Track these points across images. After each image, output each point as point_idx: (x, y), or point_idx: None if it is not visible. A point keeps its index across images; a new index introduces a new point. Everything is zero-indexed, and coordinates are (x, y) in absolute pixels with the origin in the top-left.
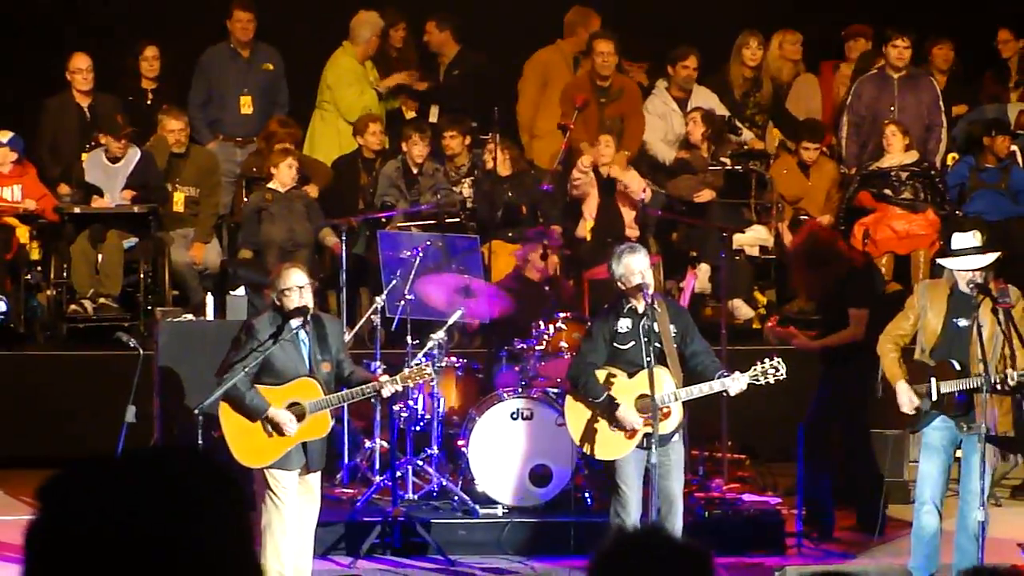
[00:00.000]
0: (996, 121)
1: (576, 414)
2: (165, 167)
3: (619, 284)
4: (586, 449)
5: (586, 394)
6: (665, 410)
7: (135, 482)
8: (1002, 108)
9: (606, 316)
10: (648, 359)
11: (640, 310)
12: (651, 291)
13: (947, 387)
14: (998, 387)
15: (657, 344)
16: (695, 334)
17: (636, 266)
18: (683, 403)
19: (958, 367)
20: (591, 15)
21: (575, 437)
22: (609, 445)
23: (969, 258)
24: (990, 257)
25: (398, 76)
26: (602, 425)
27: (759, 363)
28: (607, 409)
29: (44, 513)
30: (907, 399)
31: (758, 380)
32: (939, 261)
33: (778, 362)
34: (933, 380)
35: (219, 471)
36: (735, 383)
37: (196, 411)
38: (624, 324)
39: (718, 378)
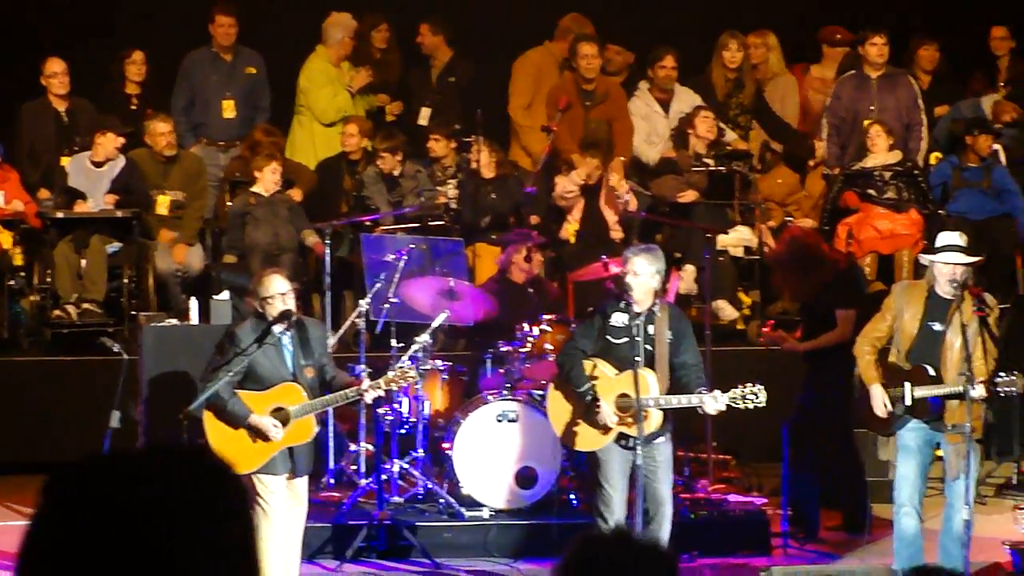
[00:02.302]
0: (978, 120)
1: (557, 402)
2: (153, 171)
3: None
4: (562, 437)
5: (570, 381)
6: (643, 413)
7: (144, 479)
8: (976, 103)
9: (604, 308)
10: (637, 359)
11: (638, 310)
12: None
13: (921, 392)
14: (971, 394)
15: (649, 347)
16: (689, 345)
17: (631, 267)
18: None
19: (932, 372)
20: (586, 23)
21: (554, 424)
22: (585, 437)
23: (954, 255)
24: (973, 258)
25: (362, 75)
26: (580, 416)
27: (741, 387)
28: (587, 401)
29: (47, 508)
30: (881, 403)
31: (736, 403)
32: (923, 257)
33: (760, 389)
34: (907, 385)
35: (224, 470)
36: (713, 402)
37: (181, 417)
38: (620, 319)
39: (698, 393)
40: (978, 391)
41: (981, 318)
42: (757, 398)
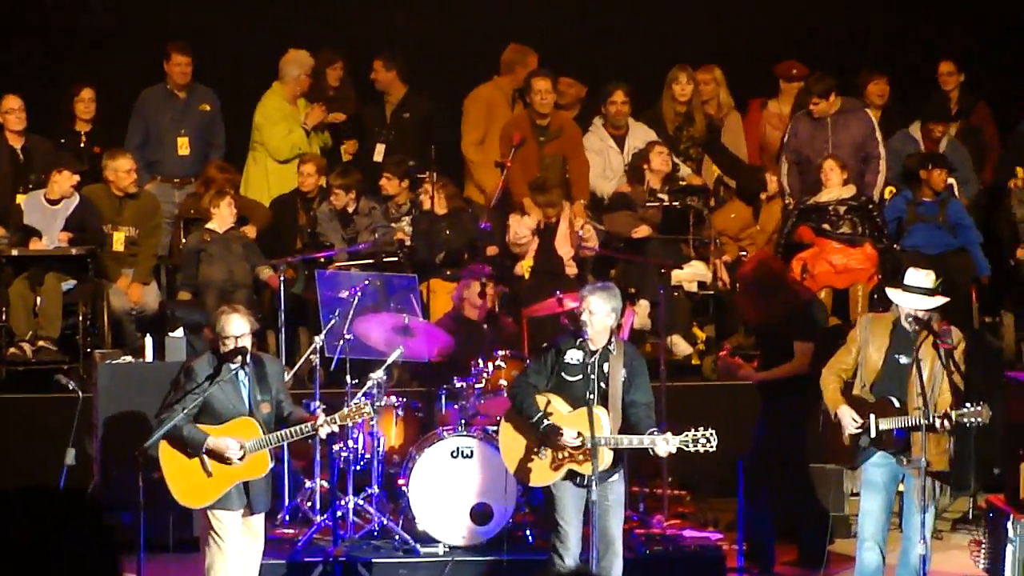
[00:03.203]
0: (932, 155)
1: (508, 436)
2: (109, 207)
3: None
4: (513, 471)
5: (522, 412)
6: (590, 451)
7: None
8: (905, 132)
9: (559, 344)
10: (590, 397)
11: (593, 348)
12: (607, 333)
13: (886, 424)
14: (936, 426)
15: (603, 384)
16: (641, 384)
17: (586, 305)
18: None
19: (897, 404)
20: (529, 53)
21: (505, 458)
22: (535, 472)
23: (918, 298)
24: (938, 301)
25: (317, 112)
26: (531, 451)
27: (693, 430)
28: (540, 430)
29: None
30: (850, 419)
31: (688, 447)
32: (888, 291)
33: (711, 434)
34: (872, 417)
35: (92, 512)
36: (664, 444)
37: (137, 454)
38: (575, 356)
39: (649, 434)
40: (944, 423)
41: (947, 351)
42: (708, 443)
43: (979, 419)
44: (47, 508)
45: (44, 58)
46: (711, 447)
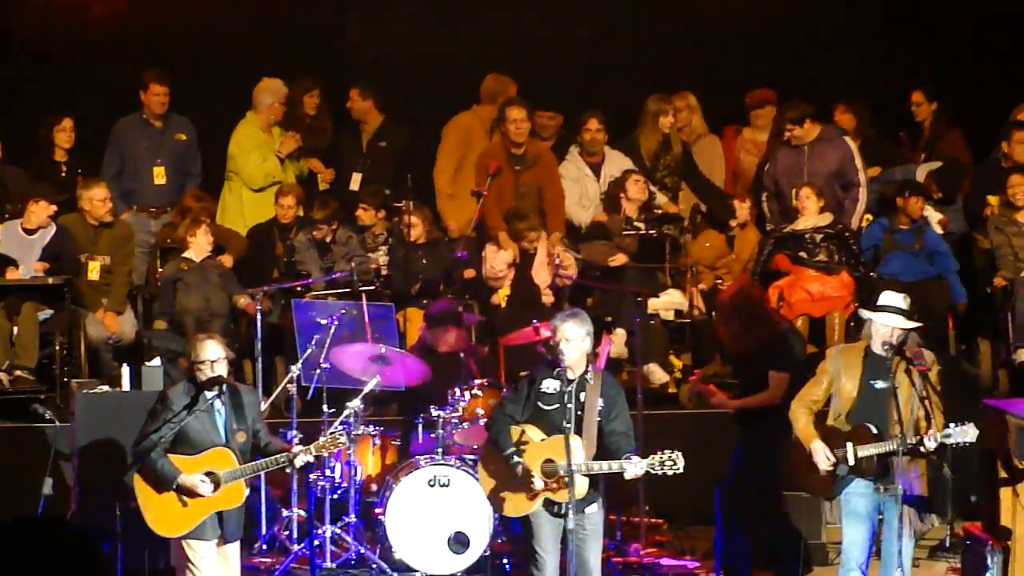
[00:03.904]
0: (908, 182)
1: (486, 466)
2: (84, 237)
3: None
4: (491, 502)
5: (496, 445)
6: (566, 480)
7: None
8: (911, 170)
9: (536, 374)
10: (567, 426)
11: (571, 376)
12: (582, 362)
13: (864, 451)
14: (918, 449)
15: (579, 413)
16: (620, 413)
17: (561, 333)
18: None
19: (875, 430)
20: (509, 83)
21: (483, 487)
22: (511, 503)
23: (894, 317)
24: (913, 324)
25: (290, 140)
26: (507, 481)
27: (660, 453)
28: (511, 465)
29: None
30: (823, 456)
31: (655, 469)
32: (863, 313)
33: (677, 455)
34: (849, 445)
35: (81, 541)
36: (632, 467)
37: (115, 484)
38: (551, 385)
39: (619, 459)
40: (929, 444)
41: (923, 373)
42: (675, 464)
43: (966, 438)
44: (35, 538)
45: (23, 87)
46: (678, 469)
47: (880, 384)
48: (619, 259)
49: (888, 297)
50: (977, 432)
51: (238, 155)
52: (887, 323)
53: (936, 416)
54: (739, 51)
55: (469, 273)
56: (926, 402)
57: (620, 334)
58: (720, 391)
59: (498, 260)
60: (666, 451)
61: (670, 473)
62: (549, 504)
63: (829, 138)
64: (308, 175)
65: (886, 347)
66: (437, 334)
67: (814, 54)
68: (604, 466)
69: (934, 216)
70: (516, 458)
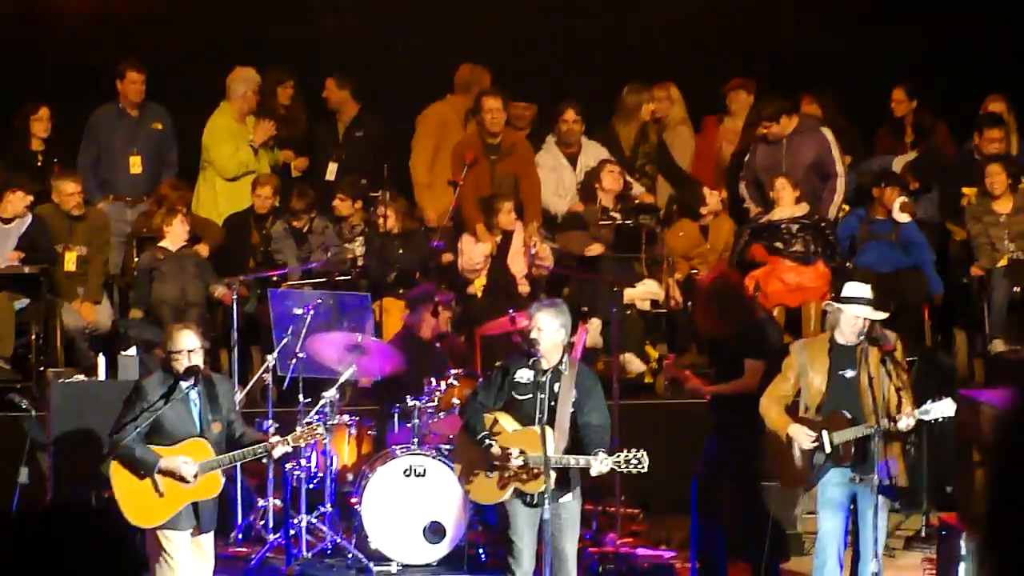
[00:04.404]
0: (885, 172)
1: (460, 453)
2: (60, 227)
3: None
4: (465, 488)
5: (468, 431)
6: (535, 471)
7: (23, 541)
8: (888, 160)
9: (510, 363)
10: (540, 416)
11: (545, 366)
12: (558, 351)
13: (840, 437)
14: (893, 431)
15: (552, 404)
16: (595, 406)
17: (535, 323)
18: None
19: (849, 416)
20: (483, 73)
21: (459, 474)
22: (483, 490)
23: (862, 307)
24: (881, 314)
25: (263, 128)
26: (480, 468)
27: (626, 451)
28: (484, 448)
29: None
30: (803, 435)
31: (620, 466)
32: (830, 304)
33: (643, 455)
34: (824, 432)
35: (109, 532)
36: (598, 464)
37: (91, 473)
38: (525, 375)
39: (587, 455)
40: (905, 422)
41: (888, 352)
42: (640, 464)
43: (945, 412)
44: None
45: None
46: (643, 468)
47: (849, 373)
48: (595, 249)
49: (854, 288)
50: (955, 405)
51: (211, 145)
52: (858, 314)
53: (906, 395)
54: (715, 41)
55: (447, 257)
56: (896, 382)
57: (596, 323)
58: (695, 377)
59: (476, 252)
60: (632, 450)
61: (635, 472)
62: (521, 494)
63: (806, 130)
64: (282, 164)
65: (860, 337)
66: (422, 316)
67: (793, 44)
68: (572, 461)
69: (896, 201)
70: (488, 440)
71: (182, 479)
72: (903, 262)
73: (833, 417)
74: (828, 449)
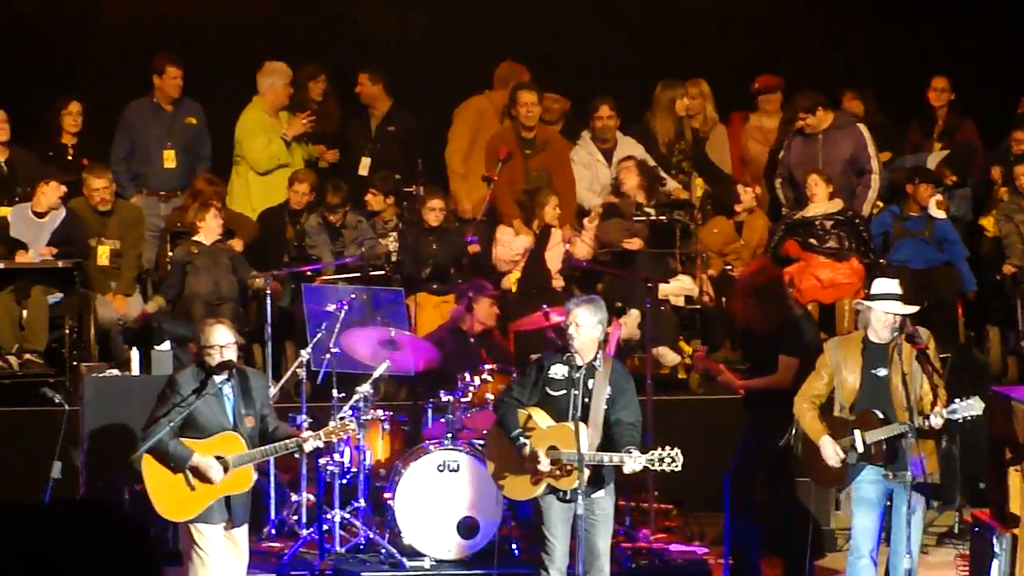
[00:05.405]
0: (919, 169)
1: (494, 449)
2: (93, 221)
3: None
4: (498, 483)
5: (502, 427)
6: (568, 468)
7: (48, 530)
8: (923, 157)
9: (545, 359)
10: (574, 412)
11: (579, 362)
12: (594, 348)
13: (872, 436)
14: (925, 428)
15: (586, 400)
16: (628, 403)
17: (573, 318)
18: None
19: (881, 415)
20: (522, 71)
21: (491, 470)
22: (516, 486)
23: (893, 303)
24: (912, 308)
25: (296, 123)
26: (513, 464)
27: (660, 449)
28: (517, 446)
29: None
30: (832, 452)
31: (654, 464)
32: (860, 303)
33: (676, 453)
34: (857, 432)
35: (133, 526)
36: (631, 462)
37: (123, 467)
38: (560, 371)
39: (620, 452)
40: (935, 420)
41: (921, 351)
42: (674, 462)
43: (972, 412)
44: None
45: (31, 69)
46: (676, 466)
47: (882, 371)
48: (635, 243)
49: (882, 284)
50: (983, 405)
51: (244, 139)
52: (889, 311)
53: (940, 392)
54: (745, 37)
55: (474, 248)
56: (929, 380)
57: (634, 315)
58: (727, 369)
59: (515, 244)
60: (666, 448)
61: (668, 470)
62: (555, 490)
63: (842, 125)
64: (315, 159)
65: (894, 333)
66: (473, 310)
67: (822, 40)
68: (606, 459)
69: (932, 198)
70: (522, 439)
71: (208, 480)
72: (937, 258)
73: (865, 416)
74: (861, 449)
